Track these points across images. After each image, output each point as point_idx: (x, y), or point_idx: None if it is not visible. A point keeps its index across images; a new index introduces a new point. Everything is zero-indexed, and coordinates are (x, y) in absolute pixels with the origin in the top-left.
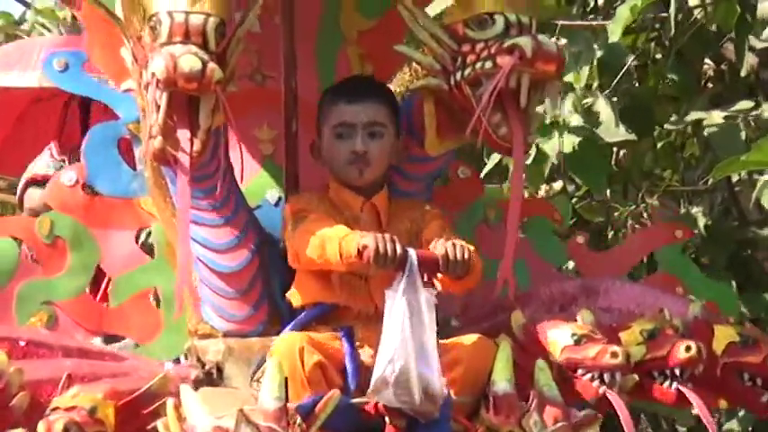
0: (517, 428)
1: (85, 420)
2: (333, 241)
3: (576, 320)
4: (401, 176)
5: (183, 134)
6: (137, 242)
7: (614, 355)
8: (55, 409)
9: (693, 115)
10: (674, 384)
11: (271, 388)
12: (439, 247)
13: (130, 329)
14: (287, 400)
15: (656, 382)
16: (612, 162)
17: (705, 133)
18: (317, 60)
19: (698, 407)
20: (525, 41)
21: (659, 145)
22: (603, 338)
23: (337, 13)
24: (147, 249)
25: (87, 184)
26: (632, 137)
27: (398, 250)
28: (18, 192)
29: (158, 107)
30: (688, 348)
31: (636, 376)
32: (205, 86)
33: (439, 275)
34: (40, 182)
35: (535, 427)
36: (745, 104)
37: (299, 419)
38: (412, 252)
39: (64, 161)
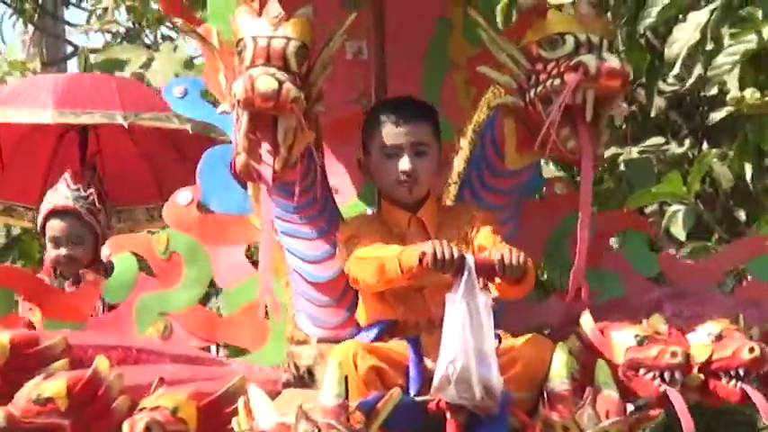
0: (571, 423)
1: (167, 419)
2: (391, 260)
3: (641, 323)
4: (488, 191)
5: (266, 150)
6: (247, 257)
7: (674, 354)
8: (141, 409)
9: (610, 151)
10: (739, 384)
11: (330, 386)
12: (495, 252)
13: (240, 338)
14: (347, 397)
15: (721, 382)
16: None
17: (621, 168)
18: (423, 84)
19: (760, 406)
20: (589, 59)
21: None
22: (665, 339)
23: (446, 39)
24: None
25: (201, 203)
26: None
27: (455, 254)
28: (39, 222)
29: (240, 124)
30: (752, 350)
31: (701, 375)
32: (281, 105)
33: (496, 281)
34: (61, 212)
35: (589, 422)
36: (657, 140)
37: (360, 416)
38: (469, 257)
39: (79, 189)
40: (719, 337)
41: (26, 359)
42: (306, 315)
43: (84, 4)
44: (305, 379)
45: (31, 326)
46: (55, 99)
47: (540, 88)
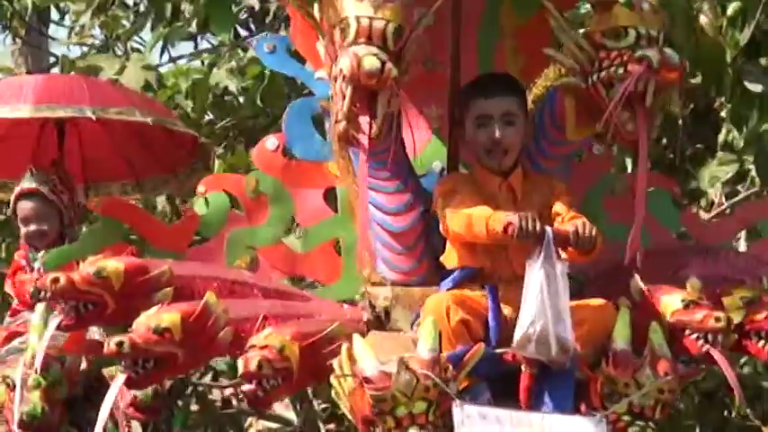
0: (632, 380)
1: (275, 357)
2: (480, 220)
3: (685, 287)
4: (543, 156)
5: (364, 120)
6: (324, 199)
7: (718, 319)
8: (252, 346)
9: None
10: None
11: (426, 341)
12: (570, 225)
13: (317, 272)
14: (440, 351)
15: (752, 341)
16: None
17: None
18: (478, 51)
19: None
20: (653, 53)
21: None
22: (709, 304)
23: (497, 10)
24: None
25: (286, 149)
26: None
27: (538, 227)
28: (11, 206)
29: (344, 97)
30: None
31: (735, 335)
32: (383, 82)
33: (569, 249)
34: (27, 194)
35: (648, 380)
36: None
37: (450, 367)
38: (549, 229)
39: (41, 175)
40: (752, 302)
41: (137, 286)
42: (382, 260)
43: (64, 21)
44: (382, 319)
45: (136, 254)
46: (34, 97)
47: (602, 74)
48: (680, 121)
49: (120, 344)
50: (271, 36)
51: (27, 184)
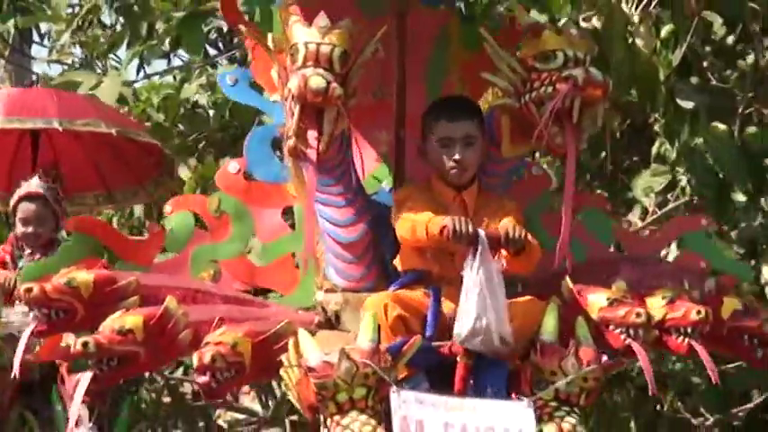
0: (558, 369)
1: (228, 352)
2: (421, 225)
3: (611, 288)
4: (485, 174)
5: (312, 136)
6: (282, 217)
7: (639, 315)
8: (206, 343)
9: None
10: (687, 340)
11: (365, 333)
12: (501, 227)
13: (275, 283)
14: (379, 342)
15: (672, 337)
16: None
17: None
18: (427, 82)
19: (703, 358)
20: (579, 73)
21: None
22: (632, 302)
23: (447, 47)
24: (290, 223)
25: (247, 172)
26: None
27: (470, 229)
28: (12, 204)
29: (293, 115)
30: (699, 312)
31: (657, 332)
32: (328, 101)
33: (503, 252)
34: (32, 197)
35: (572, 368)
36: None
37: (388, 356)
38: (481, 231)
39: (47, 182)
40: (672, 301)
41: (105, 295)
42: (334, 269)
43: (45, 42)
44: (332, 321)
45: (107, 267)
46: (4, 109)
47: (533, 94)
48: (617, 135)
49: (85, 344)
50: (233, 70)
51: (34, 187)
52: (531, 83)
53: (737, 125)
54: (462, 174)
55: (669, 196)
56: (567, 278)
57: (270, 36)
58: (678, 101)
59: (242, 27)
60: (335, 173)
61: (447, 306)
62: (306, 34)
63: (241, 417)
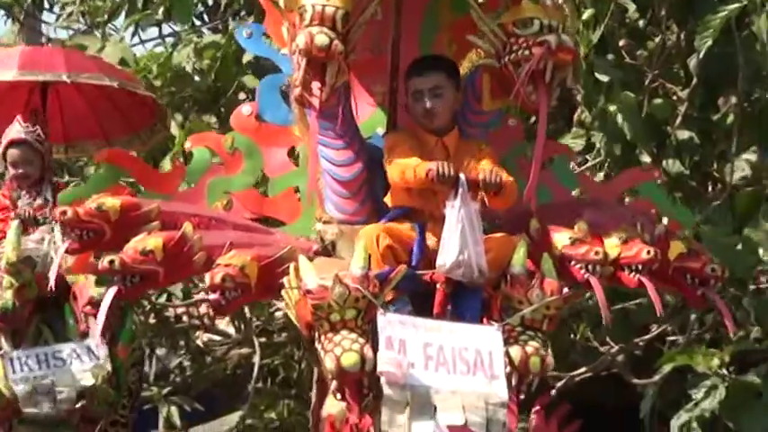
0: (525, 298)
1: (237, 274)
2: (410, 169)
3: (573, 228)
4: (466, 123)
5: (316, 86)
6: (288, 156)
7: (597, 253)
8: (218, 265)
9: None
10: (637, 276)
11: (357, 261)
12: (480, 171)
13: (280, 213)
14: (369, 269)
15: (625, 272)
16: None
17: None
18: (419, 41)
19: (651, 292)
20: (552, 39)
21: None
22: (591, 241)
23: (437, 8)
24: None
25: (258, 114)
26: None
27: (452, 172)
28: (1, 151)
29: (300, 68)
30: (649, 252)
31: (612, 268)
32: (331, 56)
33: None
34: (16, 142)
35: (537, 298)
36: None
37: (377, 283)
38: (462, 175)
39: (27, 126)
40: (626, 242)
41: (131, 219)
42: (331, 203)
43: (55, 9)
44: (329, 249)
45: (132, 194)
46: (19, 63)
47: (512, 56)
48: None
49: (111, 262)
50: (249, 24)
51: (15, 134)
52: (511, 46)
53: (645, 97)
54: (432, 120)
55: (587, 156)
56: (535, 219)
57: None
58: (596, 74)
59: None
60: (335, 119)
61: (430, 239)
62: None
63: (217, 338)
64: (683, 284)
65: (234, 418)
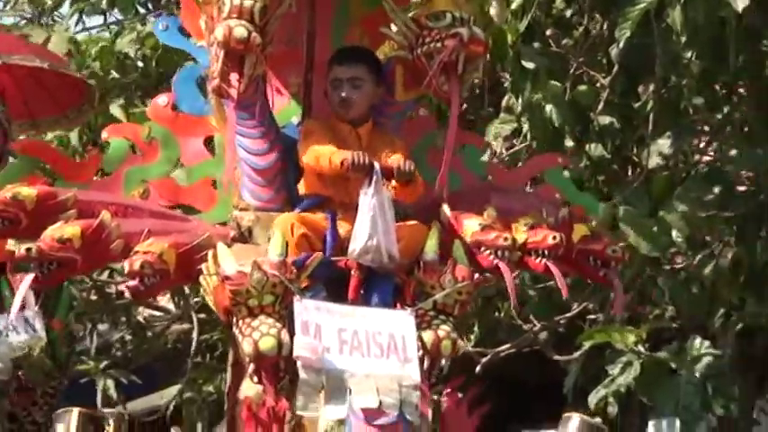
0: (437, 283)
1: (155, 260)
2: (325, 156)
3: (483, 215)
4: (381, 114)
5: (234, 77)
6: (205, 145)
7: (506, 239)
8: (136, 252)
9: None
10: (543, 260)
11: (275, 248)
12: (394, 161)
13: (196, 201)
14: (286, 256)
15: (531, 257)
16: None
17: None
18: (332, 34)
19: (557, 276)
20: (464, 31)
21: None
22: (500, 228)
23: (349, 3)
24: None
25: (175, 105)
26: None
27: (367, 161)
28: None
29: (218, 59)
30: (554, 237)
31: (519, 253)
32: (249, 48)
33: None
34: None
35: (449, 283)
36: None
37: (294, 269)
38: (376, 163)
39: None
40: (533, 227)
41: (47, 207)
42: (248, 190)
43: None
44: (245, 236)
45: (49, 183)
46: None
47: (425, 47)
48: (475, 89)
49: (28, 249)
50: (165, 17)
51: None
52: (423, 38)
53: (569, 84)
54: (348, 110)
55: (515, 141)
56: (446, 206)
57: None
58: (523, 62)
59: None
60: (252, 109)
61: (343, 228)
62: None
63: (157, 314)
64: (586, 266)
65: (172, 391)
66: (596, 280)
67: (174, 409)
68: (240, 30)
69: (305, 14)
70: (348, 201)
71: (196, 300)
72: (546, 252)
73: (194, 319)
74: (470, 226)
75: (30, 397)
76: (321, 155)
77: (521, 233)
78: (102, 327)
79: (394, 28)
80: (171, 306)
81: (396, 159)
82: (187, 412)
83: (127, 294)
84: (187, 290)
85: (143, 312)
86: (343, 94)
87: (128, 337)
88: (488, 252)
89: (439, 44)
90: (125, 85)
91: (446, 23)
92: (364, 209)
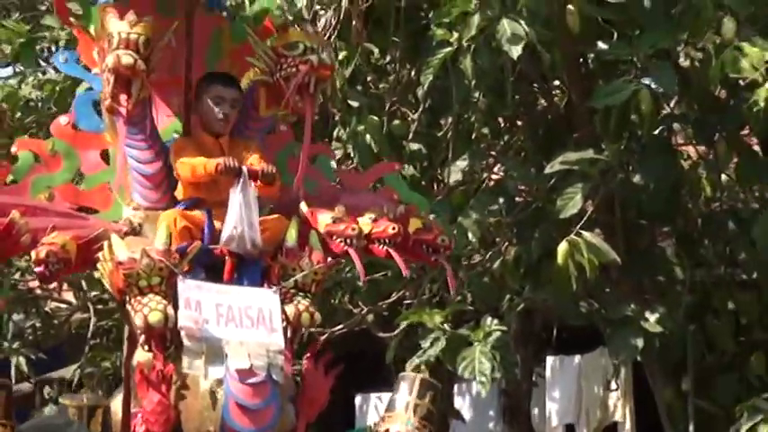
0: (297, 266)
1: (58, 250)
2: (200, 166)
3: (334, 210)
4: (247, 128)
5: (123, 98)
6: (101, 157)
7: (353, 229)
8: (42, 244)
9: None
10: (385, 247)
11: (160, 237)
12: (254, 160)
13: (95, 203)
14: (170, 245)
15: (375, 245)
16: None
17: None
18: (206, 63)
19: (397, 259)
20: (314, 58)
21: None
22: (348, 220)
23: (220, 39)
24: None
25: (74, 124)
26: None
27: (237, 165)
28: None
29: (109, 83)
30: (393, 228)
31: (365, 241)
32: (135, 73)
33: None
34: None
35: (307, 266)
36: None
37: (177, 255)
38: (244, 167)
39: None
40: (376, 220)
41: None
42: (138, 193)
43: None
44: (136, 231)
45: None
46: None
47: (283, 72)
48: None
49: None
50: (64, 51)
51: None
52: (281, 65)
53: (386, 118)
54: (225, 125)
55: (344, 166)
56: (303, 203)
57: (92, 27)
58: (349, 101)
59: (72, 21)
60: (140, 125)
61: (217, 222)
62: (119, 25)
63: (62, 305)
64: (420, 253)
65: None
66: (430, 264)
67: (78, 382)
68: (127, 58)
69: (184, 47)
70: (220, 200)
71: (94, 293)
72: (387, 240)
73: (91, 310)
74: (324, 219)
75: None
76: (196, 165)
77: (366, 225)
78: (16, 317)
79: (257, 57)
80: (72, 299)
81: (255, 159)
82: (87, 384)
83: (35, 284)
84: (85, 285)
85: (50, 304)
86: (227, 111)
87: (38, 325)
88: (339, 240)
89: (294, 69)
90: (29, 123)
91: (299, 52)
92: (234, 204)
